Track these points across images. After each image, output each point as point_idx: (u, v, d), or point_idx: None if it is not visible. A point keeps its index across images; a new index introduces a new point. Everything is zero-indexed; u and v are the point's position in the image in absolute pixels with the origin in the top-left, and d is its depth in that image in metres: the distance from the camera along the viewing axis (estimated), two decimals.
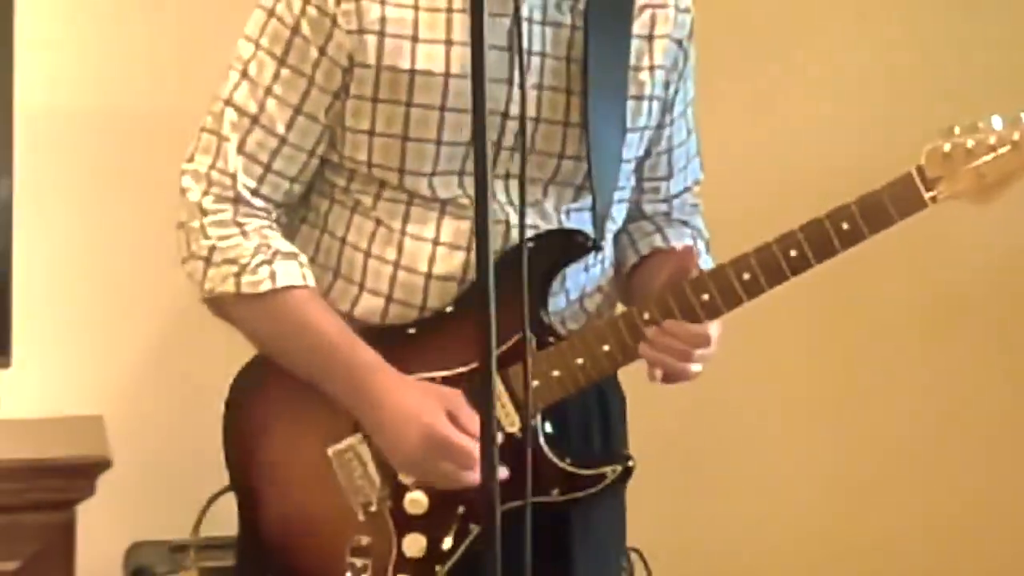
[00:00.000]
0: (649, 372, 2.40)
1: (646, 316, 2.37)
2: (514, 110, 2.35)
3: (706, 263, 2.51)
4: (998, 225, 4.22)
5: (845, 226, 2.35)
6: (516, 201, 2.36)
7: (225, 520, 2.66)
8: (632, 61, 2.47)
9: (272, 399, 2.41)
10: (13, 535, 2.99)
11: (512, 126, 2.36)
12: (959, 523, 4.28)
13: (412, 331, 2.38)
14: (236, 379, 2.44)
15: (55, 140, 3.43)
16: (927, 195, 2.34)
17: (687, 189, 2.65)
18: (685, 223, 2.63)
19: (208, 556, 3.22)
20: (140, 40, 3.54)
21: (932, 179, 2.34)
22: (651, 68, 2.49)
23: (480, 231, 1.90)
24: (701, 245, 2.59)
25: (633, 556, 3.65)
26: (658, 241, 2.58)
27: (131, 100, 3.54)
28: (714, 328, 2.40)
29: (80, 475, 3.02)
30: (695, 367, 2.41)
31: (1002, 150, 2.35)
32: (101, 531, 3.13)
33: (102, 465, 3.02)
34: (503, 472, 2.16)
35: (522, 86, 2.20)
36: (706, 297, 2.36)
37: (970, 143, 2.35)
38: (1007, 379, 4.32)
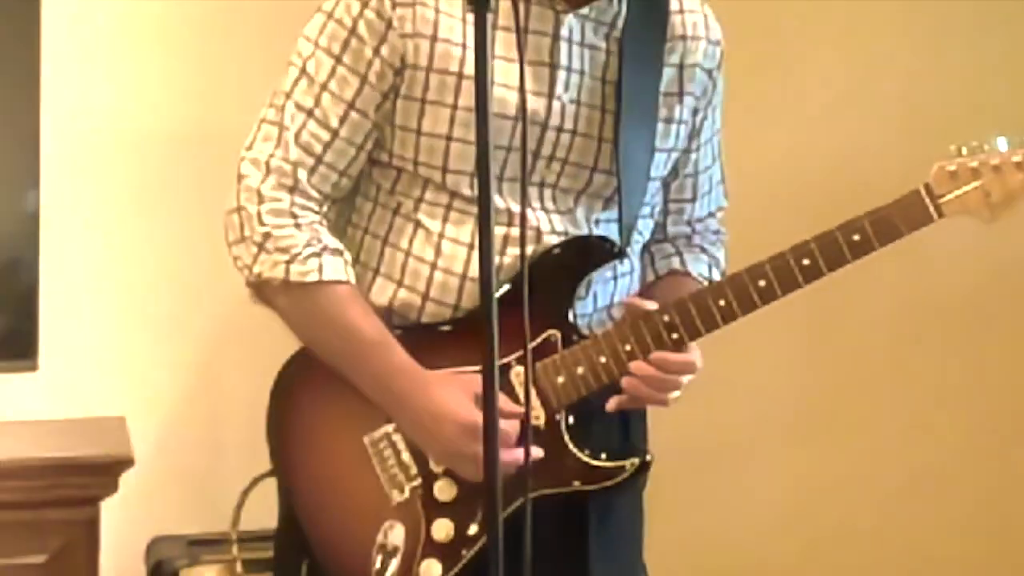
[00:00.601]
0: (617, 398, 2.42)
1: (666, 319, 2.39)
2: (554, 122, 2.39)
3: None
4: (979, 241, 4.25)
5: (856, 238, 2.37)
6: (550, 208, 2.41)
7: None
8: (663, 87, 2.49)
9: (313, 390, 2.42)
10: (41, 530, 2.99)
11: (551, 136, 2.40)
12: (945, 522, 4.27)
13: (447, 328, 2.39)
14: (281, 371, 2.45)
15: (79, 156, 3.43)
16: (934, 211, 2.36)
17: (711, 215, 2.66)
18: (704, 250, 2.64)
19: (235, 549, 3.22)
20: (160, 62, 3.54)
21: (939, 196, 2.37)
22: (680, 94, 2.51)
23: (483, 235, 1.94)
24: (716, 274, 2.61)
25: None
26: (676, 263, 2.60)
27: (151, 119, 3.53)
28: (697, 358, 2.43)
29: (104, 473, 3.02)
30: (672, 394, 2.45)
31: (1007, 171, 2.37)
32: (124, 526, 3.14)
33: (125, 463, 3.03)
34: (537, 452, 2.24)
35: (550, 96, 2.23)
36: (722, 303, 2.39)
37: (975, 163, 2.37)
38: (987, 384, 4.32)
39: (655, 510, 3.72)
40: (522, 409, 2.27)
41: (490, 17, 2.29)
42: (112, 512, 3.06)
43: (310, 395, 2.43)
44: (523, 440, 2.26)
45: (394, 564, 2.24)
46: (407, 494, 2.36)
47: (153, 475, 2.93)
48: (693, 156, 2.58)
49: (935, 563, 4.27)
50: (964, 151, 2.38)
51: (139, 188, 3.55)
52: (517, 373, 2.36)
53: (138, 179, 3.55)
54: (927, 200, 2.36)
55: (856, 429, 4.24)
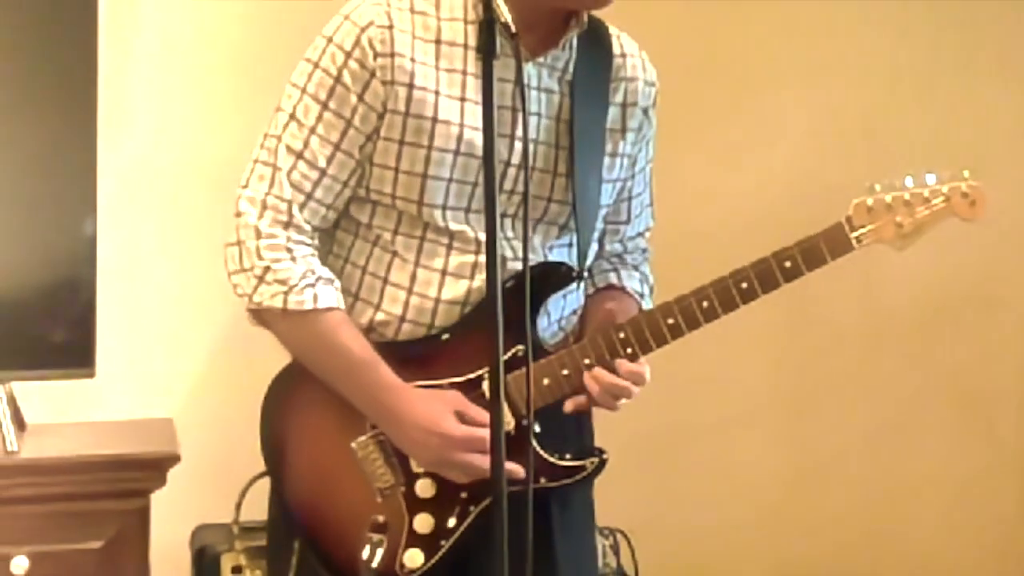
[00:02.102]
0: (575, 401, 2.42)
1: (621, 335, 2.41)
2: (515, 160, 2.38)
3: (647, 304, 2.59)
4: (932, 259, 4.27)
5: (787, 264, 2.43)
6: (511, 237, 2.38)
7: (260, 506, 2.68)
8: (608, 124, 2.50)
9: (303, 400, 2.41)
10: (97, 520, 2.98)
11: (511, 173, 2.39)
12: (891, 501, 4.30)
13: (424, 347, 2.39)
14: (273, 383, 2.45)
15: (131, 185, 3.46)
16: (854, 241, 2.44)
17: (640, 234, 2.68)
18: (636, 268, 2.66)
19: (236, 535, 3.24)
20: (204, 97, 3.59)
21: (858, 227, 2.44)
22: (623, 130, 2.53)
23: (490, 261, 1.98)
24: (646, 288, 2.63)
25: (618, 537, 3.67)
26: (612, 278, 2.62)
27: (194, 149, 3.58)
28: (647, 371, 2.44)
29: (153, 468, 3.02)
30: (620, 403, 2.44)
31: (916, 205, 2.45)
32: (171, 516, 3.14)
33: (172, 460, 3.03)
34: (513, 466, 2.18)
35: (524, 138, 2.22)
36: (671, 321, 2.42)
37: (889, 198, 2.45)
38: (932, 384, 4.34)
39: (634, 490, 3.76)
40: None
41: (465, 60, 2.35)
42: (160, 503, 3.06)
43: (299, 405, 2.42)
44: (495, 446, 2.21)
45: (380, 554, 2.23)
46: (391, 492, 2.36)
47: (197, 470, 2.95)
48: (629, 183, 2.59)
49: (871, 531, 4.30)
50: (878, 188, 2.45)
51: (184, 212, 3.57)
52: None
53: (184, 204, 3.57)
54: (848, 231, 2.44)
55: (825, 421, 4.26)
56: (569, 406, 2.42)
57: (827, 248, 2.44)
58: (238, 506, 2.53)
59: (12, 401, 3.17)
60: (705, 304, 2.42)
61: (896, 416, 4.30)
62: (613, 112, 2.51)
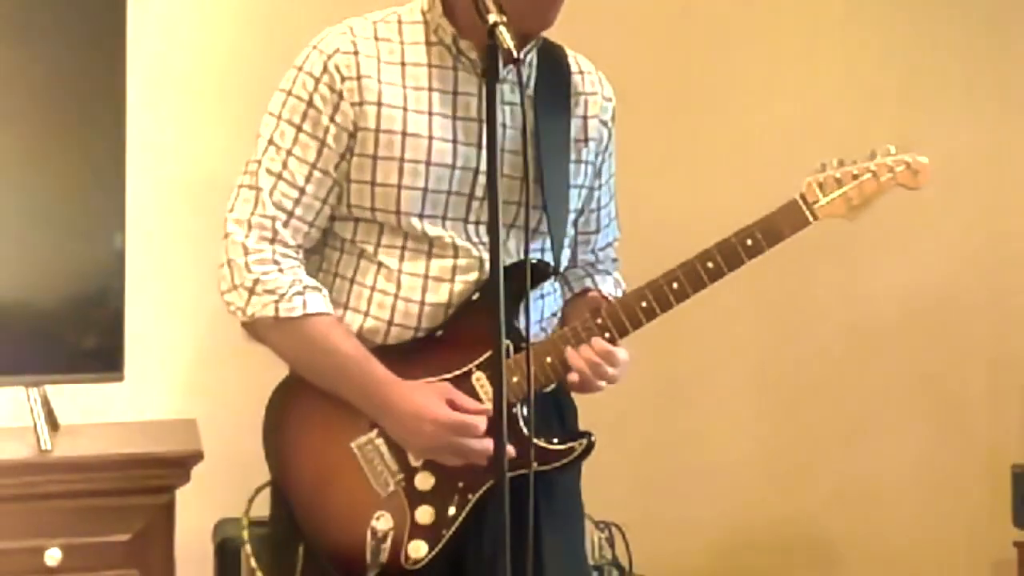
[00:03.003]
0: (568, 377, 2.41)
1: (599, 322, 2.42)
2: (483, 167, 2.37)
3: None
4: (903, 272, 4.30)
5: (749, 242, 2.44)
6: (487, 242, 2.37)
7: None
8: (572, 134, 2.51)
9: (302, 409, 2.40)
10: (126, 513, 2.98)
11: (482, 180, 2.39)
12: (869, 496, 4.32)
13: (413, 349, 2.38)
14: (273, 394, 2.44)
15: (157, 203, 3.47)
16: (810, 215, 2.46)
17: (609, 244, 2.68)
18: (609, 273, 2.67)
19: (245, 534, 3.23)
20: (226, 116, 3.56)
21: (812, 203, 2.46)
22: (586, 140, 2.54)
23: (493, 261, 2.00)
24: (619, 291, 2.63)
25: (613, 530, 3.67)
26: (588, 283, 2.63)
27: (217, 166, 3.50)
28: (623, 352, 2.43)
29: (178, 466, 3.02)
30: (601, 382, 2.42)
31: (863, 178, 2.48)
32: (195, 510, 3.13)
33: (196, 458, 3.03)
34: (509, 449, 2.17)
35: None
36: (644, 304, 2.42)
37: (839, 175, 2.48)
38: (907, 386, 4.37)
39: (628, 487, 3.75)
40: (486, 407, 2.31)
41: (430, 78, 2.36)
42: (185, 498, 3.06)
43: (299, 412, 2.40)
44: (491, 431, 2.26)
45: (386, 548, 2.23)
46: (392, 488, 2.34)
47: (219, 468, 2.95)
48: (596, 194, 2.61)
49: (845, 519, 4.31)
50: (828, 167, 2.49)
51: (207, 228, 3.53)
52: (478, 378, 2.37)
53: (206, 220, 3.53)
54: (803, 207, 2.46)
55: (807, 422, 4.28)
56: (573, 376, 2.40)
57: (785, 224, 2.46)
58: (250, 501, 2.54)
59: (46, 403, 3.18)
60: (675, 285, 2.43)
61: (873, 416, 4.32)
62: (575, 123, 2.52)
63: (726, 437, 4.19)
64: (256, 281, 2.33)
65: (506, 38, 2.01)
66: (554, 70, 2.50)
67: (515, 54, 2.01)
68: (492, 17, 2.02)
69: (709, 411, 4.17)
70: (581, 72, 2.56)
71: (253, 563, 3.10)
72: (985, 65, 4.38)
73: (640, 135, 3.95)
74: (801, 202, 2.46)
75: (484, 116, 2.35)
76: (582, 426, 2.50)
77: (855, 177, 2.48)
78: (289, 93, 2.38)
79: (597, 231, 2.65)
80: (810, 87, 4.20)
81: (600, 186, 2.61)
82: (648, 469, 4.06)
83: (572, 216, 2.54)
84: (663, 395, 4.10)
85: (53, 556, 2.94)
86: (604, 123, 2.58)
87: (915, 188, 2.52)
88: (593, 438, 2.42)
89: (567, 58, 2.54)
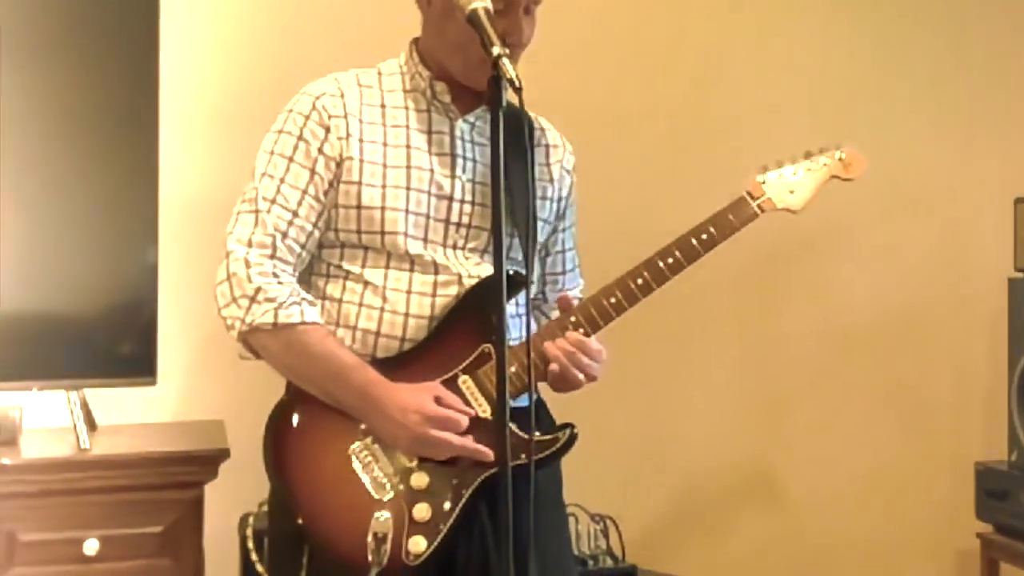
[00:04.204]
0: (548, 370, 2.40)
1: (572, 319, 2.43)
2: (457, 195, 2.43)
3: None
4: (875, 288, 4.30)
5: (704, 236, 2.48)
6: (465, 264, 2.42)
7: None
8: (537, 174, 2.55)
9: (300, 421, 2.39)
10: (158, 507, 2.99)
11: (456, 207, 2.43)
12: (843, 491, 4.30)
13: (404, 358, 2.38)
14: (273, 410, 2.42)
15: (188, 221, 3.45)
16: (757, 209, 2.53)
17: (577, 287, 2.70)
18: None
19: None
20: (251, 140, 3.57)
21: (757, 197, 2.53)
22: (551, 179, 2.58)
23: (496, 260, 2.00)
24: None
25: (607, 522, 3.66)
26: (555, 314, 2.57)
27: (239, 187, 3.59)
28: (595, 344, 2.42)
29: (207, 463, 3.04)
30: (580, 375, 2.41)
31: (803, 172, 2.56)
32: (222, 504, 3.13)
33: (222, 456, 3.04)
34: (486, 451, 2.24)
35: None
36: (612, 300, 2.44)
37: (781, 172, 2.56)
38: (878, 391, 4.35)
39: (620, 482, 3.73)
40: (471, 410, 2.33)
41: (407, 118, 2.40)
42: (213, 493, 3.07)
43: (298, 425, 2.39)
44: (468, 430, 2.30)
45: (387, 546, 2.23)
46: (390, 488, 2.33)
47: (244, 465, 2.93)
48: (561, 236, 2.64)
49: (823, 518, 4.30)
50: (771, 166, 2.57)
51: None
52: (464, 380, 2.38)
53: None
54: (751, 202, 2.52)
55: (785, 424, 4.27)
56: (554, 367, 2.39)
57: (735, 218, 2.51)
58: (260, 505, 2.53)
59: (85, 405, 3.19)
60: (640, 281, 2.45)
61: (846, 417, 4.31)
62: (540, 168, 2.57)
63: (709, 438, 4.18)
64: (258, 290, 2.34)
65: (508, 68, 2.01)
66: (514, 119, 2.46)
67: (517, 83, 2.01)
68: (496, 50, 2.03)
69: (694, 414, 4.16)
70: (543, 129, 2.62)
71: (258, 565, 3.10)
72: (950, 93, 4.38)
73: (632, 154, 3.96)
74: (748, 197, 2.53)
75: (458, 151, 2.43)
76: (578, 427, 2.47)
77: (795, 173, 2.55)
78: (280, 131, 2.43)
79: (564, 272, 2.68)
80: (786, 111, 4.19)
81: (564, 229, 2.65)
82: (638, 467, 4.05)
83: (538, 244, 2.56)
84: (652, 400, 4.10)
85: (91, 546, 2.94)
86: (567, 171, 2.63)
87: (849, 179, 2.62)
88: (575, 430, 2.40)
89: (528, 114, 2.55)
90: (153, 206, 3.19)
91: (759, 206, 2.52)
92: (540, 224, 2.55)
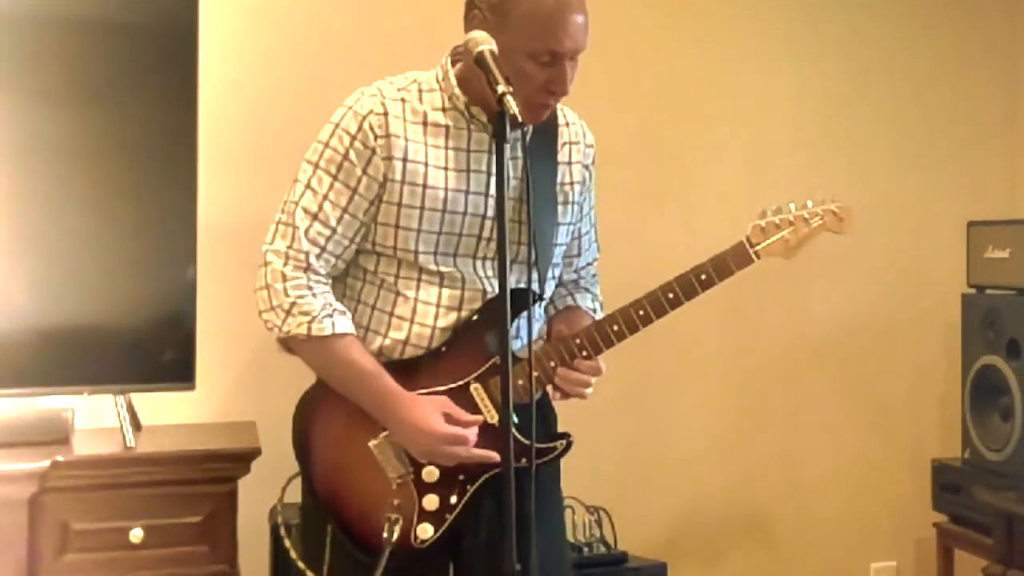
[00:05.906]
0: (552, 392, 2.43)
1: (577, 342, 2.41)
2: (489, 213, 2.37)
3: (598, 316, 2.57)
4: (840, 298, 4.29)
5: (703, 276, 2.44)
6: (490, 276, 2.39)
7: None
8: (559, 179, 2.50)
9: (327, 411, 2.39)
10: (196, 500, 2.99)
11: (487, 224, 2.38)
12: (810, 487, 4.29)
13: (422, 363, 2.38)
14: (301, 399, 2.42)
15: (223, 240, 3.43)
16: (754, 255, 2.46)
17: (589, 264, 2.68)
18: (587, 290, 2.65)
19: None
20: (279, 164, 3.55)
21: (756, 244, 2.46)
22: (571, 183, 2.53)
23: (501, 269, 1.99)
24: (596, 304, 2.63)
25: (601, 513, 3.65)
26: (569, 301, 2.63)
27: (273, 209, 3.58)
28: (601, 363, 2.43)
29: (240, 460, 3.03)
30: (588, 390, 2.44)
31: (797, 224, 2.47)
32: (254, 497, 3.12)
33: (254, 454, 3.03)
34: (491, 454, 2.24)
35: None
36: (615, 328, 2.42)
37: (777, 220, 2.48)
38: (843, 395, 4.34)
39: (614, 476, 3.71)
40: (480, 417, 2.33)
41: (447, 136, 2.34)
42: (246, 487, 3.06)
43: (324, 416, 2.39)
44: (481, 440, 2.30)
45: (398, 529, 2.22)
46: (403, 480, 2.34)
47: (274, 462, 2.93)
48: (579, 225, 2.60)
49: (795, 506, 4.26)
50: (769, 212, 2.48)
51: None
52: (476, 388, 2.37)
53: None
54: (748, 248, 2.45)
55: (759, 427, 4.25)
56: (557, 396, 2.43)
57: (733, 262, 2.45)
58: (283, 489, 2.53)
59: (130, 407, 3.19)
60: (641, 312, 2.43)
61: (813, 417, 4.31)
62: (562, 169, 2.51)
63: (691, 436, 4.17)
64: (293, 304, 2.32)
65: (512, 105, 2.00)
66: (545, 125, 2.47)
67: (519, 119, 2.00)
68: (500, 88, 2.02)
69: (678, 414, 4.15)
70: (567, 124, 2.55)
71: (288, 543, 3.09)
72: (911, 128, 4.40)
73: (625, 186, 3.95)
74: (746, 243, 2.46)
75: (492, 169, 2.34)
76: (576, 428, 2.50)
77: (791, 223, 2.48)
78: (326, 145, 2.36)
79: (579, 254, 2.65)
80: (763, 146, 4.20)
81: (582, 218, 2.61)
82: (629, 462, 4.05)
83: (559, 249, 2.53)
84: (641, 401, 4.09)
85: (136, 535, 2.94)
86: (586, 167, 2.58)
87: (840, 233, 2.52)
88: (571, 439, 2.42)
89: (556, 112, 2.51)
90: (192, 229, 3.18)
91: (756, 253, 2.46)
92: (563, 228, 2.50)
